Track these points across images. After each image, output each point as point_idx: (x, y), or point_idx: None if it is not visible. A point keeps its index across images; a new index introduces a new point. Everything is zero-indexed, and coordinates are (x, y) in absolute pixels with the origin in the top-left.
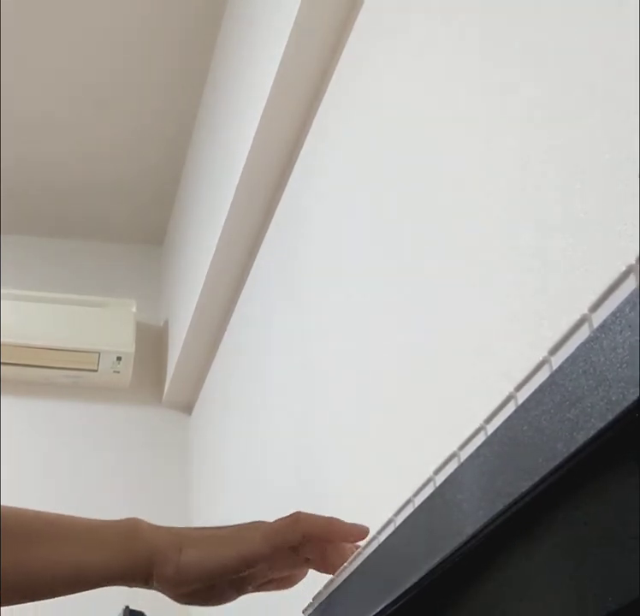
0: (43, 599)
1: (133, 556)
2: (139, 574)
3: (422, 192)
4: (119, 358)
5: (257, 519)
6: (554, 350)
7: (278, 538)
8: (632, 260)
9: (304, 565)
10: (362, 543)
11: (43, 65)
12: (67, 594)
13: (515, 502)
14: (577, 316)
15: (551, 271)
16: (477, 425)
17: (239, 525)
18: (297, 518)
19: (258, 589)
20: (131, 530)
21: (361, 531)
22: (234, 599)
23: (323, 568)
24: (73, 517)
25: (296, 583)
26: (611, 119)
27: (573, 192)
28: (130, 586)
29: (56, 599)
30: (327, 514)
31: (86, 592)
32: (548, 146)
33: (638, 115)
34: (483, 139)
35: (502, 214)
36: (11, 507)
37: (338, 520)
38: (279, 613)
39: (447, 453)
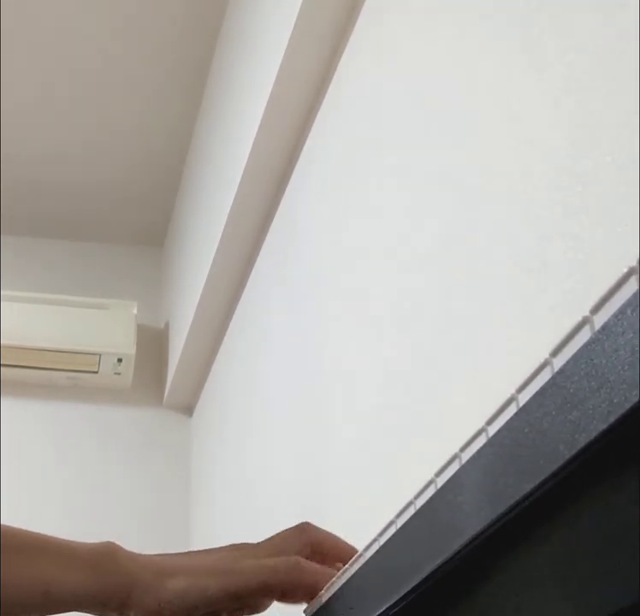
0: None
1: (107, 580)
2: (114, 601)
3: (421, 193)
4: (120, 360)
5: (245, 541)
6: (555, 352)
7: (268, 578)
8: (634, 262)
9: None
10: (362, 545)
11: (43, 66)
12: (37, 613)
13: (517, 504)
14: (577, 318)
15: (551, 273)
16: (478, 427)
17: (231, 556)
18: (295, 565)
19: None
20: (107, 552)
21: (350, 553)
22: None
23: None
24: (47, 535)
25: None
26: (611, 120)
27: (574, 194)
28: (102, 614)
29: None
30: (327, 515)
31: None
32: (549, 148)
33: (638, 116)
34: (483, 141)
35: (502, 215)
36: None
37: (335, 539)
38: (279, 613)
39: (448, 455)
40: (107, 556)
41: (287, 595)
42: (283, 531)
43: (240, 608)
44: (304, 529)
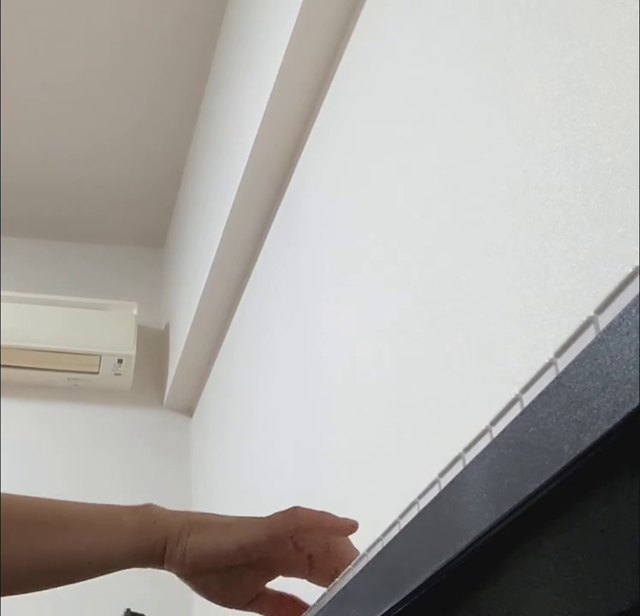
0: (69, 583)
1: (150, 539)
2: (156, 556)
3: (422, 194)
4: (120, 361)
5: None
6: (559, 352)
7: (274, 527)
8: (636, 262)
9: (305, 562)
10: (366, 545)
11: (43, 67)
12: (91, 577)
13: (521, 504)
14: (580, 318)
15: (553, 274)
16: (482, 427)
17: (244, 516)
18: (293, 511)
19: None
20: (148, 515)
21: (350, 526)
22: (239, 600)
23: (323, 569)
24: (91, 504)
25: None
26: (612, 122)
27: (575, 195)
28: (146, 567)
29: (60, 600)
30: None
31: (89, 595)
32: (549, 149)
33: (639, 117)
34: (484, 143)
35: (504, 217)
36: (37, 497)
37: (330, 514)
38: None
39: (452, 455)
40: (147, 516)
41: (295, 550)
42: (275, 513)
43: (258, 565)
44: (293, 511)
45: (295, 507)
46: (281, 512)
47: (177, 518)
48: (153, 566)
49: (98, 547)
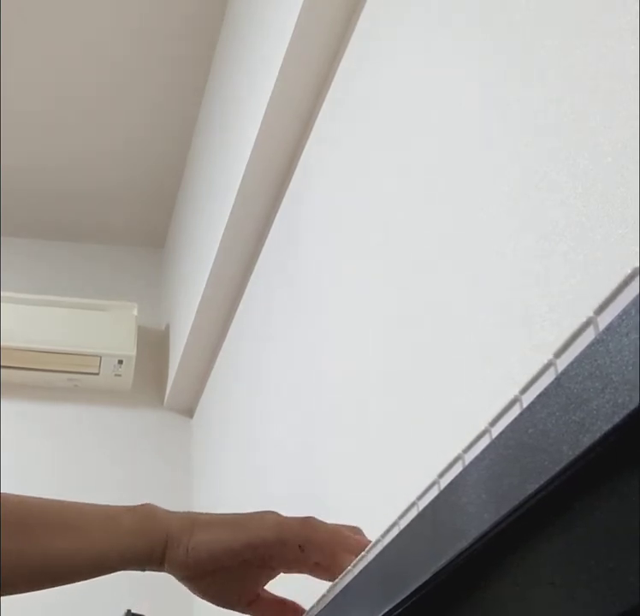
0: (65, 584)
1: (150, 541)
2: (155, 558)
3: (422, 195)
4: (120, 362)
5: (274, 510)
6: (559, 352)
7: (286, 533)
8: (636, 262)
9: (312, 569)
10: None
11: (44, 70)
12: (88, 578)
13: (520, 505)
14: (580, 319)
15: (553, 275)
16: (481, 428)
17: (248, 513)
18: (307, 521)
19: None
20: (147, 516)
21: (363, 545)
22: (241, 602)
23: (329, 573)
24: (90, 504)
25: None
26: (612, 122)
27: (575, 196)
28: (145, 570)
29: (61, 600)
30: (329, 516)
31: (90, 596)
32: (549, 150)
33: (638, 117)
34: (485, 143)
35: (504, 217)
36: (36, 498)
37: (342, 531)
38: None
39: (451, 456)
40: (146, 517)
41: (302, 556)
42: (287, 516)
43: (262, 563)
44: (306, 522)
45: (309, 518)
46: (296, 519)
47: (178, 518)
48: (152, 568)
49: (95, 548)
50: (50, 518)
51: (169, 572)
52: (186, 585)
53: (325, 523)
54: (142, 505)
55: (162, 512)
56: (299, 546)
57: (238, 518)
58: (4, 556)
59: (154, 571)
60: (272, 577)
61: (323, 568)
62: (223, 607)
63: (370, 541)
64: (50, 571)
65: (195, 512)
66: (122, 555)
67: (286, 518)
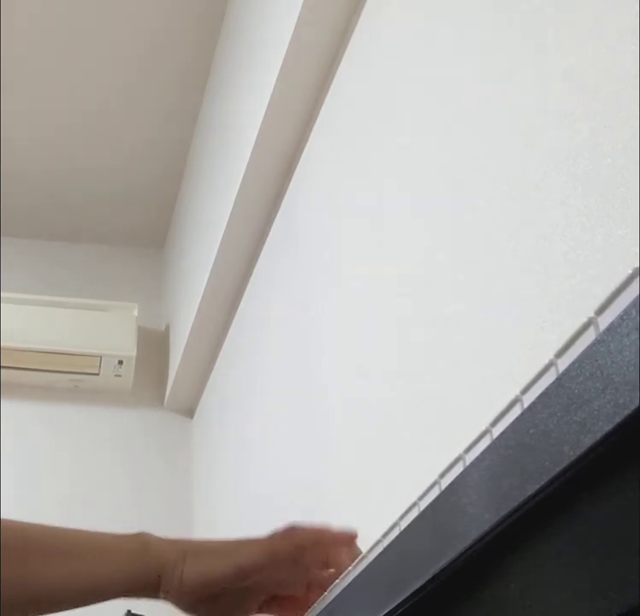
0: (56, 612)
1: (143, 570)
2: (149, 586)
3: (422, 195)
4: (120, 362)
5: (256, 533)
6: (560, 353)
7: (275, 549)
8: (636, 263)
9: (305, 575)
10: (366, 547)
11: (44, 69)
12: (79, 607)
13: (521, 505)
14: (580, 320)
15: (553, 275)
16: (482, 428)
17: (241, 539)
18: (291, 530)
19: (263, 610)
20: (141, 545)
21: (350, 536)
22: None
23: (321, 580)
24: (85, 532)
25: (305, 609)
26: (612, 122)
27: (575, 196)
28: (139, 597)
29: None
30: (329, 516)
31: None
32: (549, 150)
33: (638, 117)
34: (485, 143)
35: (504, 217)
36: (33, 524)
37: (328, 528)
38: None
39: (452, 457)
40: (141, 546)
41: (296, 571)
42: (272, 533)
43: (256, 586)
44: (290, 529)
45: (293, 526)
46: (280, 531)
47: (172, 546)
48: (147, 596)
49: (91, 577)
50: (48, 546)
51: (165, 600)
52: (183, 612)
53: (309, 526)
54: (138, 533)
55: (157, 541)
56: (294, 559)
57: (228, 545)
58: (2, 583)
59: (150, 598)
60: (267, 597)
61: (316, 579)
62: None
63: (356, 531)
64: (48, 599)
65: (187, 540)
66: (118, 584)
67: (272, 536)
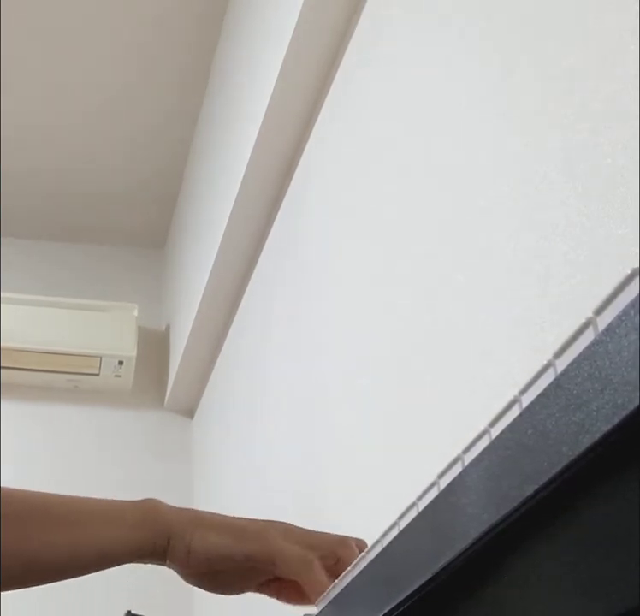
0: (69, 578)
1: (153, 536)
2: (157, 552)
3: (423, 196)
4: (120, 363)
5: (283, 523)
6: (558, 353)
7: (287, 557)
8: (635, 263)
9: (311, 567)
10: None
11: (45, 71)
12: (90, 572)
13: (520, 506)
14: (579, 320)
15: (553, 275)
16: (481, 428)
17: (254, 521)
18: (306, 533)
19: (262, 589)
20: (151, 510)
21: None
22: (238, 593)
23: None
24: (92, 499)
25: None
26: (612, 122)
27: (575, 196)
28: (147, 563)
29: (62, 601)
30: (329, 516)
31: (90, 596)
32: (550, 150)
33: (638, 117)
34: (485, 144)
35: (504, 218)
36: (38, 492)
37: (345, 540)
38: None
39: (451, 457)
40: (150, 511)
41: (292, 589)
42: (330, 535)
43: (254, 573)
44: (346, 543)
45: (309, 532)
46: (299, 547)
47: (182, 514)
48: (154, 562)
49: (98, 542)
50: (53, 513)
51: (170, 567)
52: (185, 580)
53: (325, 535)
54: (146, 499)
55: (166, 508)
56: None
57: (242, 526)
58: (7, 551)
59: (156, 564)
60: (265, 579)
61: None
62: (223, 594)
63: (366, 543)
64: (54, 565)
65: (200, 511)
66: (125, 549)
67: (290, 548)
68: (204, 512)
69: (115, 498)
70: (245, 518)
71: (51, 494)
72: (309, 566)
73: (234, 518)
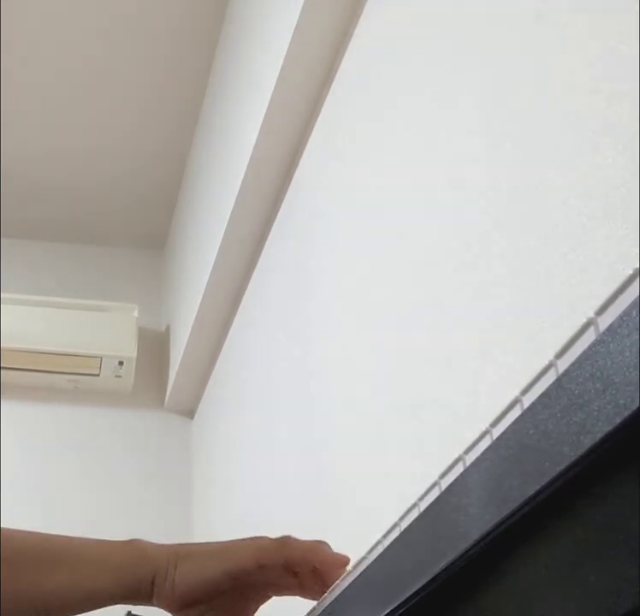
0: None
1: (138, 575)
2: (144, 593)
3: (422, 195)
4: (121, 363)
5: (253, 536)
6: (560, 353)
7: (264, 557)
8: (636, 264)
9: (295, 582)
10: (367, 548)
11: (43, 69)
12: (78, 613)
13: (521, 506)
14: (580, 320)
15: (553, 275)
16: (482, 429)
17: (231, 541)
18: (284, 542)
19: (276, 593)
20: (137, 553)
21: (342, 561)
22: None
23: (313, 592)
24: (79, 539)
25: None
26: (612, 123)
27: (575, 197)
28: (135, 604)
29: None
30: (329, 517)
31: None
32: (550, 150)
33: (639, 117)
34: (485, 143)
35: (504, 218)
36: (25, 532)
37: (322, 548)
38: None
39: (452, 457)
40: (135, 552)
41: (287, 577)
42: (265, 540)
43: (248, 590)
44: (284, 543)
45: (287, 538)
46: (273, 541)
47: (163, 550)
48: (142, 603)
49: (86, 584)
50: (41, 555)
51: (159, 606)
52: None
53: (302, 541)
54: (131, 540)
55: (151, 547)
56: (283, 568)
57: (218, 548)
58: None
59: (145, 604)
60: (263, 601)
61: (307, 585)
62: None
63: (348, 558)
64: (42, 608)
65: (178, 545)
66: (112, 591)
67: (263, 542)
68: (184, 544)
69: (114, 498)
70: (217, 542)
71: (38, 534)
72: (285, 542)
73: (210, 544)
